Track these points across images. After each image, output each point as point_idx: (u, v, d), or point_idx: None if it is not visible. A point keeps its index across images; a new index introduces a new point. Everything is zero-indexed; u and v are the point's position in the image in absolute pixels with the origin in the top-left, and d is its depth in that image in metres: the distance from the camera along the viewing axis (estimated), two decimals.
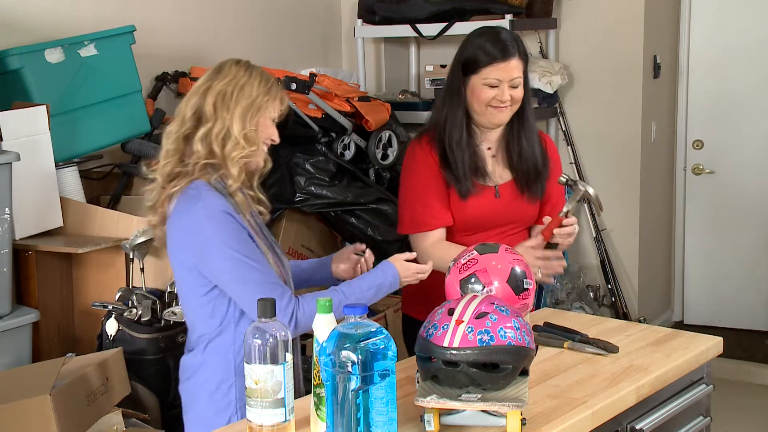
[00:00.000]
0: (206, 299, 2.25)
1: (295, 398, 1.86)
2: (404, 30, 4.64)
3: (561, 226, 2.59)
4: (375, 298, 2.35)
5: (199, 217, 2.19)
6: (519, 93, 2.66)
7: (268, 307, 1.78)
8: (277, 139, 2.33)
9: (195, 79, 3.97)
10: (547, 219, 2.62)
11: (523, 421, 1.86)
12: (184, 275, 2.27)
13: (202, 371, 2.29)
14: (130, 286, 3.12)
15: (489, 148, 2.76)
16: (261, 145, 2.29)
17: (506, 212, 2.74)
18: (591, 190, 2.58)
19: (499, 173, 2.76)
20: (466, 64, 2.66)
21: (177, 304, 3.07)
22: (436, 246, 2.69)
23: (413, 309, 2.83)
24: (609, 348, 2.38)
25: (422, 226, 2.71)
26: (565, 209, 2.58)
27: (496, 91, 2.62)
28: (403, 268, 2.38)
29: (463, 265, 2.20)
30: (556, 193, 2.81)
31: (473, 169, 2.69)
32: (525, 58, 2.67)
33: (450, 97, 2.70)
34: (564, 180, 2.62)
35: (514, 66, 2.63)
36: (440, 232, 2.72)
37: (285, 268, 2.38)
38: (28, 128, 3.03)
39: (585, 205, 4.81)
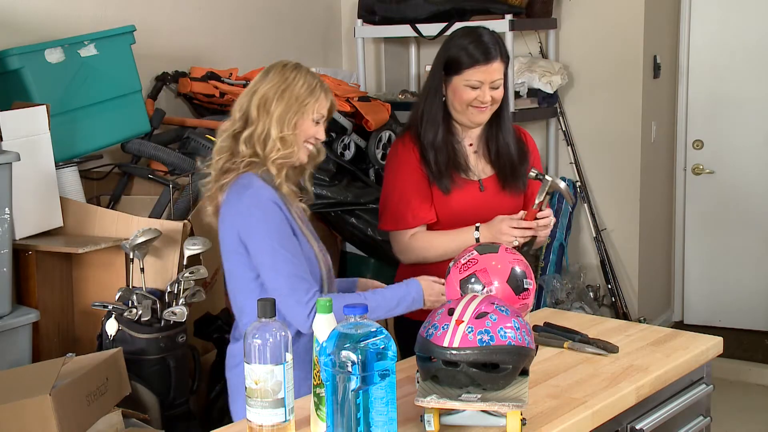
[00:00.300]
0: (255, 285, 2.34)
1: None
2: (404, 30, 4.64)
3: (536, 218, 2.63)
4: (395, 311, 2.40)
5: (247, 204, 2.30)
6: (499, 94, 2.71)
7: (267, 307, 1.79)
8: (322, 137, 2.45)
9: (195, 79, 4.01)
10: (522, 213, 2.65)
11: (523, 421, 1.86)
12: (233, 260, 2.37)
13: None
14: (130, 286, 3.12)
15: (471, 144, 2.81)
16: (301, 146, 2.39)
17: (491, 206, 2.76)
18: (562, 184, 2.63)
19: (481, 168, 2.81)
20: (449, 65, 2.70)
21: (177, 304, 3.07)
22: (416, 237, 2.73)
23: None
24: (609, 348, 2.38)
25: (402, 223, 2.74)
26: (537, 201, 2.64)
27: (477, 92, 2.67)
28: (428, 287, 2.42)
29: (463, 265, 2.20)
30: (538, 188, 2.85)
31: (454, 164, 2.74)
32: (506, 59, 2.73)
33: (429, 95, 2.76)
34: (533, 175, 2.67)
35: (495, 68, 2.68)
36: (420, 228, 2.76)
37: (327, 261, 2.47)
38: (28, 128, 3.02)
39: (585, 205, 4.82)
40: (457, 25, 4.39)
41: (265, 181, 2.34)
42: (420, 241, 2.72)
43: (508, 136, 2.80)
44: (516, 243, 2.58)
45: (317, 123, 2.41)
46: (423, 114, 2.74)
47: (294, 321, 2.28)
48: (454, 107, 2.72)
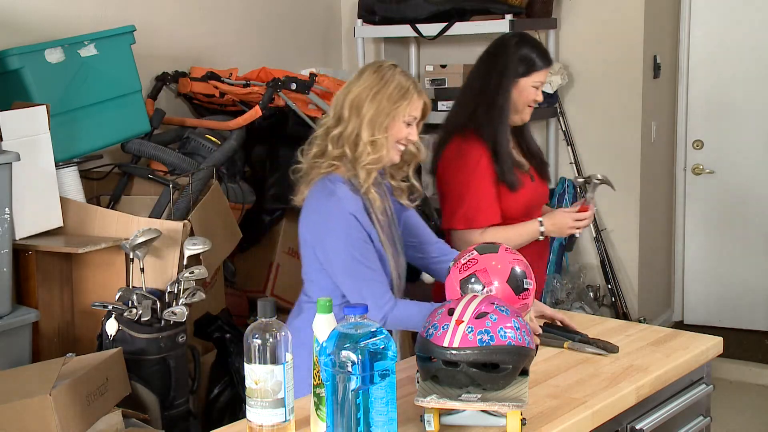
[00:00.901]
0: (323, 274, 2.43)
1: None
2: (404, 30, 4.64)
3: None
4: None
5: (328, 209, 2.37)
6: None
7: (267, 307, 1.79)
8: (414, 138, 2.46)
9: (195, 79, 4.00)
10: (576, 207, 2.95)
11: (523, 421, 1.86)
12: (305, 249, 2.48)
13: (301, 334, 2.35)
14: (130, 286, 3.12)
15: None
16: (392, 147, 2.42)
17: (539, 195, 3.01)
18: (603, 176, 2.99)
19: (523, 161, 3.00)
20: (520, 68, 2.89)
21: (177, 304, 3.07)
22: (487, 234, 2.84)
23: None
24: (609, 348, 2.38)
25: (474, 222, 2.86)
26: (589, 196, 2.94)
27: (537, 93, 2.91)
28: None
29: (463, 265, 2.20)
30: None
31: (513, 161, 2.93)
32: None
33: (499, 96, 2.89)
34: (582, 181, 3.02)
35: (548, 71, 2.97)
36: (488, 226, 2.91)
37: (400, 264, 2.52)
38: (28, 128, 3.02)
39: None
40: (458, 25, 4.42)
41: (352, 186, 2.38)
42: (492, 238, 2.79)
43: (530, 132, 3.05)
44: (578, 234, 2.91)
45: (409, 125, 2.43)
46: (497, 114, 2.87)
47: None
48: (516, 107, 2.91)
